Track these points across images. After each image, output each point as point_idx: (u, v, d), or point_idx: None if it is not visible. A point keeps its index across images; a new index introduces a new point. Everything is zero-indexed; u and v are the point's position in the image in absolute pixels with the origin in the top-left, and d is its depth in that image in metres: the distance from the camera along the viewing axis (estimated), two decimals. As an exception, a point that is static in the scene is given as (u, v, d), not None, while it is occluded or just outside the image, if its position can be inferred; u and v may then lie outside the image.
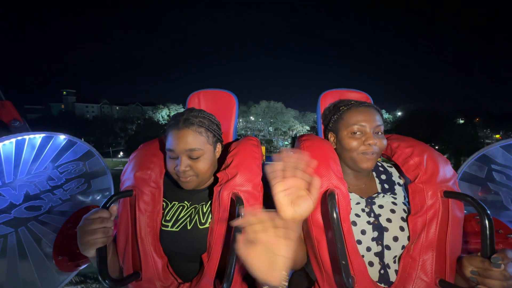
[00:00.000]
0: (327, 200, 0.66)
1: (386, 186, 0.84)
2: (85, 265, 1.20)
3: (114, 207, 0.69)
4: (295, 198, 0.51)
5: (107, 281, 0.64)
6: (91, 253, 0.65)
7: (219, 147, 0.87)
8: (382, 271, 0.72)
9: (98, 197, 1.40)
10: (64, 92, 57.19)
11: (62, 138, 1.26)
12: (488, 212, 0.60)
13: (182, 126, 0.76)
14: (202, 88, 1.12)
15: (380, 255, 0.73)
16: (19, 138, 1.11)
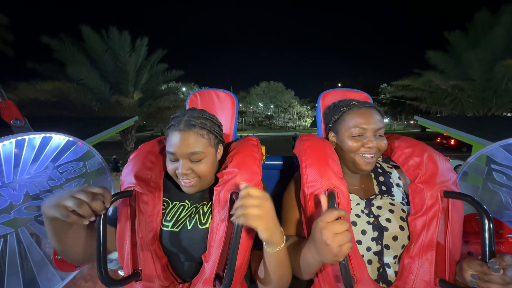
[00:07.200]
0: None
1: (384, 188, 0.84)
2: (85, 265, 1.19)
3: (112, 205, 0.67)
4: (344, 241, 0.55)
5: (107, 282, 0.64)
6: (50, 213, 0.58)
7: (220, 149, 0.86)
8: (381, 270, 0.72)
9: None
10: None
11: (62, 138, 1.26)
12: (488, 212, 0.60)
13: (183, 128, 0.74)
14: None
15: (379, 254, 0.73)
16: (19, 138, 1.11)
